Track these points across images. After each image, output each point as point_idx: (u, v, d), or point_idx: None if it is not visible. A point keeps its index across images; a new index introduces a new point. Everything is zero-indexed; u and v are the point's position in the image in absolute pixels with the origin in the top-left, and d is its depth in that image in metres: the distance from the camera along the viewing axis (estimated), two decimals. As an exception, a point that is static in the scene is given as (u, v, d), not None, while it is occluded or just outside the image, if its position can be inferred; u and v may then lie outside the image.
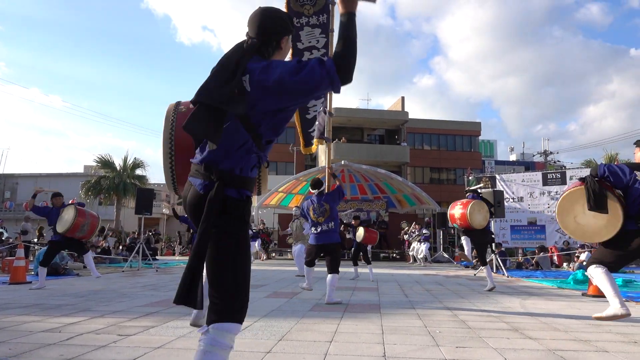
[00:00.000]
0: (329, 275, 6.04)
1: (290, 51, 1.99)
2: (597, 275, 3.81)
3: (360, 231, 10.23)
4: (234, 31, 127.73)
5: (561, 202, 4.05)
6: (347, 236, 11.92)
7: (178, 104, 2.17)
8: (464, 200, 8.09)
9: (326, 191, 6.47)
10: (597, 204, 3.68)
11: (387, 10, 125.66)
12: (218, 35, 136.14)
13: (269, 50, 1.91)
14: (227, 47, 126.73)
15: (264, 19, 1.90)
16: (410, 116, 33.87)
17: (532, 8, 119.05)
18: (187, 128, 1.71)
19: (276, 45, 1.93)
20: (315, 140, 9.24)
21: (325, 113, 9.05)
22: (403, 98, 35.99)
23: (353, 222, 10.78)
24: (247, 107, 1.75)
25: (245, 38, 1.93)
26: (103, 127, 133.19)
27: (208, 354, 1.70)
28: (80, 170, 35.42)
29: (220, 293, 1.78)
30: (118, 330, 4.11)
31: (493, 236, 10.27)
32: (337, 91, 1.74)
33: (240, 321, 1.79)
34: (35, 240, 15.40)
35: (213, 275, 1.80)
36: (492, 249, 8.74)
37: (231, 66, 1.78)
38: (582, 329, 4.45)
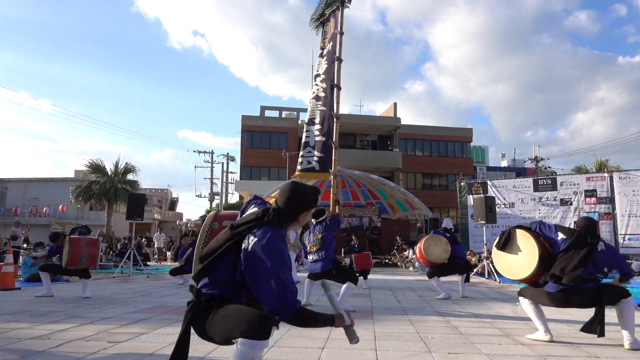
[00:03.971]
0: (345, 284, 6.00)
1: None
2: (524, 304, 4.34)
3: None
4: (224, 35, 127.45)
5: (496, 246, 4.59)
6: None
7: (214, 218, 2.48)
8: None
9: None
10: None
11: (378, 16, 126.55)
12: (209, 40, 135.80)
13: (287, 221, 2.17)
14: (217, 52, 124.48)
15: (293, 195, 2.18)
16: (402, 122, 34.02)
17: (522, 15, 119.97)
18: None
19: (294, 218, 2.19)
20: (297, 173, 9.68)
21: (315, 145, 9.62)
22: (395, 104, 36.16)
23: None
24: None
25: (273, 202, 2.25)
26: (93, 131, 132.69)
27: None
28: (71, 174, 35.08)
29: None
30: (108, 337, 4.07)
31: (467, 257, 10.14)
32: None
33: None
34: (25, 245, 15.22)
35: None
36: (467, 275, 8.20)
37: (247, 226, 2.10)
38: (573, 334, 4.48)
